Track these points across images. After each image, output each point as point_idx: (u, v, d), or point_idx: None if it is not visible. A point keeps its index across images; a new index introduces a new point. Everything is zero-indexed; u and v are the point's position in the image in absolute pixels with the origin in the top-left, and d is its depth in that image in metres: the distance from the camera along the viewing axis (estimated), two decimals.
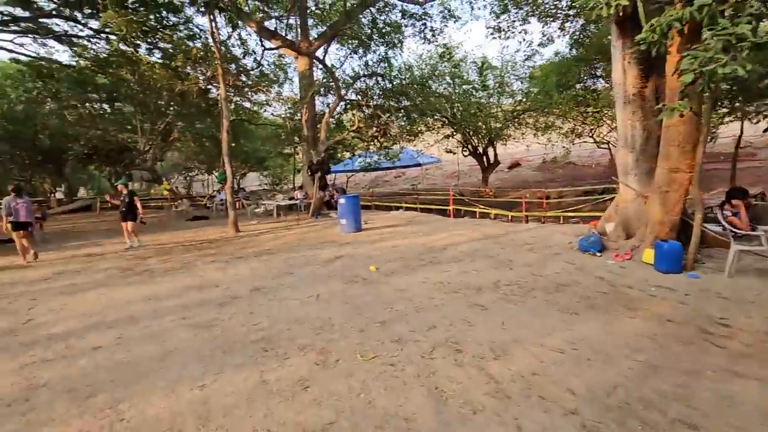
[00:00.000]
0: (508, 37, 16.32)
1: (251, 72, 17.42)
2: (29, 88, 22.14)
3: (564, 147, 20.19)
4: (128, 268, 6.90)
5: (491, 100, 21.79)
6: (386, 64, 16.15)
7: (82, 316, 4.42)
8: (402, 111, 16.41)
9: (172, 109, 21.57)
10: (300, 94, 16.31)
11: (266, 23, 16.30)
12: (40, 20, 18.36)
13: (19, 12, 17.60)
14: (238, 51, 16.23)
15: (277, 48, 16.07)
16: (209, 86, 21.18)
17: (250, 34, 17.62)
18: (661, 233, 5.46)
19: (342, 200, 9.90)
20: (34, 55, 19.90)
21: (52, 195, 29.67)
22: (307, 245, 8.40)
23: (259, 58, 16.06)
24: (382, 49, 16.76)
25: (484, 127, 21.04)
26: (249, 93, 17.76)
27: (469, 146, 22.58)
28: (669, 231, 5.42)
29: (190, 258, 7.68)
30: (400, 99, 16.05)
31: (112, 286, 5.68)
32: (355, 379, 2.75)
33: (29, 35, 19.21)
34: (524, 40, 19.25)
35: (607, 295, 4.23)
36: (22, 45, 19.55)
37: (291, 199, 16.28)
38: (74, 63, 20.47)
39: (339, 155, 25.37)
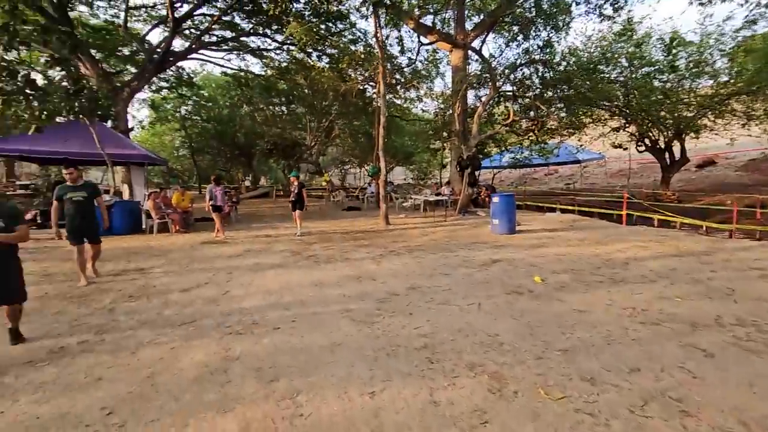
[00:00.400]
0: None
1: (405, 69, 17.89)
2: (232, 95, 27.21)
3: None
4: (297, 252, 7.65)
5: (681, 83, 17.78)
6: (549, 50, 14.57)
7: (264, 293, 4.96)
8: (564, 101, 14.61)
9: (334, 108, 23.80)
10: (453, 88, 16.02)
11: (422, 19, 16.43)
12: (241, 39, 22.32)
13: (227, 34, 21.60)
14: (395, 49, 16.84)
15: (432, 43, 16.05)
16: (366, 86, 22.68)
17: (407, 32, 18.05)
18: None
19: (496, 198, 9.24)
20: (236, 68, 24.29)
21: (242, 183, 36.12)
22: (459, 244, 8.06)
23: (414, 55, 16.35)
24: (544, 33, 15.18)
25: (669, 117, 17.37)
26: (403, 90, 18.22)
27: (647, 140, 18.98)
28: None
29: (348, 247, 8.14)
30: (562, 88, 14.31)
31: (286, 268, 6.31)
32: (543, 425, 2.27)
33: (233, 52, 23.49)
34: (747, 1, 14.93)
35: None
36: (228, 60, 24.03)
37: (438, 194, 16.20)
38: (263, 72, 24.38)
39: (485, 150, 24.37)
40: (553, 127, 14.66)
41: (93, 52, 17.48)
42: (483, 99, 14.06)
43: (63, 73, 12.49)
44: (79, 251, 5.60)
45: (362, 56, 14.00)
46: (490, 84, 13.80)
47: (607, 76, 17.21)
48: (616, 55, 17.65)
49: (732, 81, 16.09)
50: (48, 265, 6.81)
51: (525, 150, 24.35)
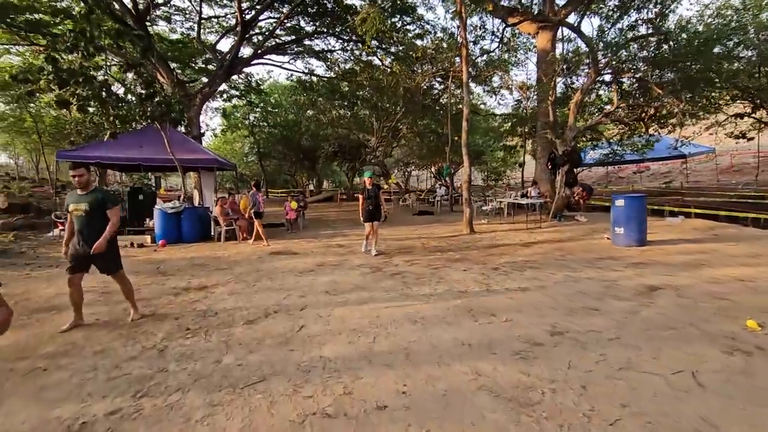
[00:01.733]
0: None
1: (484, 57, 16.21)
2: (297, 100, 27.17)
3: None
4: (378, 268, 6.41)
5: None
6: (662, 22, 12.09)
7: (349, 333, 3.72)
8: (680, 84, 12.00)
9: (400, 108, 22.65)
10: (537, 76, 14.05)
11: (503, 1, 14.65)
12: (305, 42, 22.00)
13: (292, 38, 21.33)
14: (471, 36, 15.21)
15: (516, 24, 14.21)
16: (434, 81, 21.22)
17: (483, 19, 16.34)
18: None
19: (620, 201, 7.34)
20: (300, 70, 24.11)
21: (306, 187, 36.31)
22: (579, 260, 6.33)
23: (495, 41, 14.61)
24: (652, 5, 12.68)
25: None
26: (482, 79, 16.54)
27: None
28: None
29: (437, 262, 6.76)
30: (682, 67, 11.75)
31: (369, 291, 5.07)
32: None
33: (298, 56, 23.26)
34: None
35: None
36: (293, 63, 23.93)
37: (523, 196, 14.29)
38: (327, 75, 23.95)
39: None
40: (676, 112, 12.10)
41: (170, 63, 17.98)
42: (583, 84, 11.96)
43: (137, 79, 12.56)
44: (70, 283, 4.03)
45: (438, 44, 12.56)
46: (589, 67, 11.70)
47: (730, 51, 14.14)
48: (741, 27, 14.47)
49: None
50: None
51: (615, 145, 21.48)
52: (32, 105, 21.54)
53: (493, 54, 17.99)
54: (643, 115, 12.52)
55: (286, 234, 11.41)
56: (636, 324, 3.61)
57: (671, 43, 11.14)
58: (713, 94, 15.14)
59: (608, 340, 3.31)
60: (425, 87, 21.57)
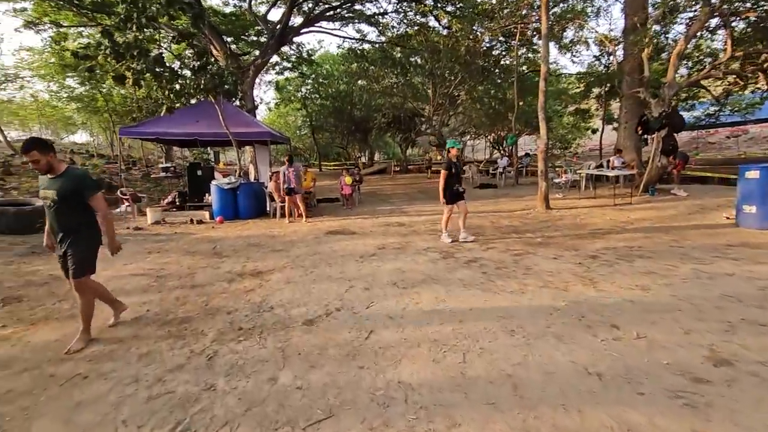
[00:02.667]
0: None
1: (557, 8, 14.22)
2: (348, 68, 26.24)
3: None
4: (449, 254, 5.59)
5: None
6: None
7: (431, 345, 2.99)
8: None
9: (456, 73, 21.00)
10: (625, 24, 11.98)
11: None
12: (356, 6, 20.79)
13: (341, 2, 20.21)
14: None
15: None
16: (497, 41, 19.27)
17: None
18: None
19: (753, 173, 5.85)
20: (351, 37, 23.06)
21: (359, 159, 35.84)
22: (703, 248, 5.09)
23: None
24: None
25: None
26: (556, 33, 14.63)
27: None
28: None
29: (515, 246, 5.81)
30: None
31: (444, 284, 4.29)
32: None
33: (349, 22, 22.14)
34: None
35: None
36: (344, 30, 22.88)
37: (600, 166, 12.61)
38: (379, 41, 22.68)
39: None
40: None
41: (223, 37, 17.75)
42: (689, 29, 9.90)
43: (191, 52, 12.32)
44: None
45: None
46: (697, 7, 9.60)
47: None
48: None
49: None
50: (169, 259, 5.97)
51: (709, 104, 18.66)
52: (103, 85, 22.58)
53: (567, 4, 15.82)
54: (765, 64, 10.24)
55: (341, 210, 10.89)
56: None
57: None
58: None
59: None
60: (485, 47, 19.72)
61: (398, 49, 22.50)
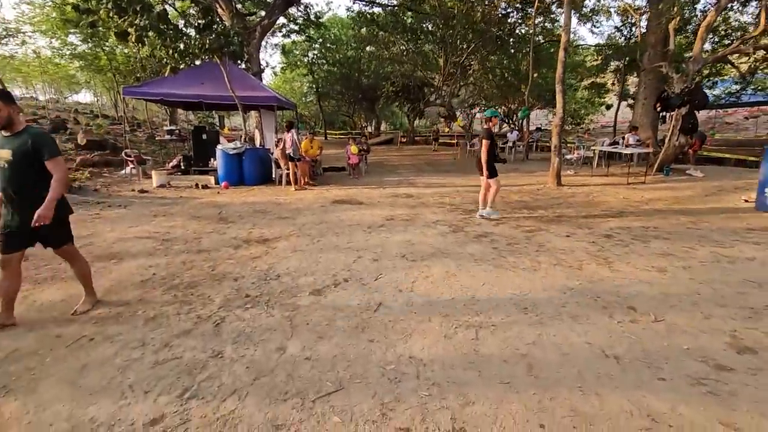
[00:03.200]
0: None
1: None
2: (356, 33, 25.31)
3: None
4: (459, 227, 5.48)
5: None
6: None
7: (443, 321, 2.93)
8: None
9: (469, 41, 20.20)
10: None
11: None
12: None
13: None
14: None
15: None
16: (513, 8, 18.43)
17: None
18: None
19: None
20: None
21: (365, 128, 35.25)
22: (723, 231, 4.94)
23: None
24: None
25: None
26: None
27: None
28: None
29: (527, 222, 5.68)
30: None
31: (453, 258, 4.20)
32: None
33: None
34: None
35: None
36: None
37: (615, 143, 12.27)
38: (390, 4, 21.72)
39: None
40: None
41: None
42: (707, 4, 9.33)
43: (196, 10, 11.82)
44: (3, 264, 2.77)
45: None
46: None
47: None
48: None
49: None
50: (175, 223, 5.90)
51: (732, 82, 18.10)
52: (106, 44, 21.94)
53: None
54: None
55: (348, 179, 10.73)
56: None
57: None
58: None
59: None
60: (501, 14, 18.86)
61: (410, 13, 21.57)
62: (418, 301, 3.23)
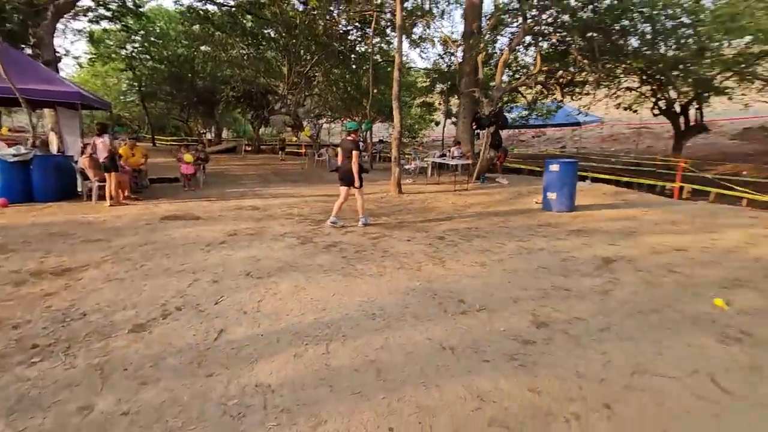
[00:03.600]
0: None
1: (408, 3, 14.99)
2: (189, 30, 22.96)
3: None
4: (308, 239, 5.39)
5: (708, 40, 15.98)
6: None
7: (293, 339, 2.78)
8: (598, 52, 12.40)
9: (313, 53, 20.52)
10: (464, 29, 13.44)
11: None
12: None
13: None
14: None
15: None
16: (353, 26, 19.49)
17: None
18: None
19: (554, 167, 7.25)
20: None
21: (203, 135, 32.13)
22: (523, 228, 6.07)
23: None
24: None
25: (690, 75, 15.67)
26: (406, 27, 15.41)
27: (661, 102, 17.47)
28: None
29: (373, 229, 5.96)
30: (597, 35, 12.02)
31: (304, 272, 4.09)
32: None
33: None
34: None
35: None
36: None
37: (443, 156, 14.05)
38: (227, 4, 20.41)
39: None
40: (591, 80, 12.52)
41: None
42: (512, 41, 11.64)
43: None
44: None
45: None
46: (519, 24, 11.38)
47: (631, 25, 14.97)
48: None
49: (764, 39, 14.16)
50: None
51: (521, 108, 22.38)
52: None
53: (416, 1, 16.88)
54: (561, 80, 12.85)
55: (182, 192, 9.53)
56: (617, 308, 3.29)
57: (594, 5, 11.25)
58: (619, 66, 16.25)
59: (599, 331, 2.90)
60: (342, 31, 19.73)
61: (249, 17, 20.65)
62: (265, 321, 3.00)
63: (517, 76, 15.44)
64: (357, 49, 21.73)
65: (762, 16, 14.18)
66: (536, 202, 7.98)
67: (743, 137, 23.59)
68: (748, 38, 14.57)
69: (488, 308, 3.26)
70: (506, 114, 16.72)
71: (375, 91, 18.79)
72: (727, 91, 16.27)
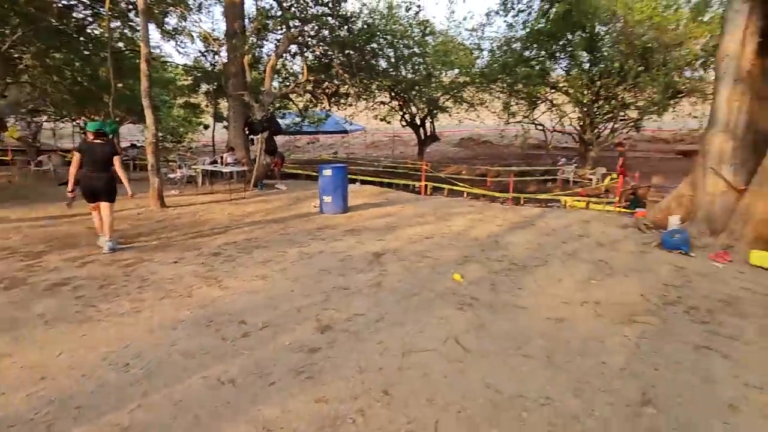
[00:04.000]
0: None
1: None
2: None
3: (523, 125, 19.63)
4: (19, 280, 3.89)
5: (433, 69, 20.43)
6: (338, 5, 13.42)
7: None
8: (356, 68, 13.93)
9: (15, 27, 15.37)
10: (227, 28, 12.72)
11: None
12: None
13: None
14: None
15: None
16: (82, 2, 15.69)
17: None
18: (764, 233, 4.90)
19: (327, 171, 7.66)
20: None
21: None
22: (303, 233, 6.14)
23: None
24: None
25: (424, 96, 19.74)
26: (156, 15, 13.38)
27: (407, 116, 21.29)
28: None
29: (126, 255, 4.84)
30: (355, 52, 13.52)
31: (8, 332, 2.90)
32: None
33: None
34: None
35: None
36: None
37: (214, 162, 12.95)
38: None
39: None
40: (352, 93, 13.85)
41: None
42: (278, 47, 11.67)
43: None
44: None
45: None
46: (284, 32, 11.54)
47: (379, 49, 17.56)
48: (389, 31, 18.18)
49: (468, 70, 19.05)
50: None
51: (294, 115, 23.16)
52: None
53: None
54: (327, 90, 13.79)
55: None
56: (387, 297, 3.66)
57: (349, 26, 12.53)
58: (373, 83, 18.62)
59: (375, 321, 3.16)
60: (62, 5, 15.49)
61: None
62: None
63: (287, 83, 15.71)
64: (89, 31, 17.55)
65: (462, 56, 18.98)
66: (314, 206, 8.27)
67: (461, 145, 31.27)
68: (456, 70, 19.32)
69: (272, 324, 3.08)
70: (279, 120, 16.83)
71: (120, 85, 15.68)
72: (448, 109, 21.23)
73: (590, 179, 13.66)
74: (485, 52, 18.55)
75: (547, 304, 3.53)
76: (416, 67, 18.71)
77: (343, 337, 2.89)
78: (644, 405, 2.20)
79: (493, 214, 7.59)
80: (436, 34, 19.44)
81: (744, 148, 5.19)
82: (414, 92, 19.10)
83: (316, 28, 12.41)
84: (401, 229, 6.45)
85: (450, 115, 21.52)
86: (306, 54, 13.49)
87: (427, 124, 21.37)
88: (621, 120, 16.20)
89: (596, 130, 16.27)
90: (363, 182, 13.16)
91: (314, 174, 15.12)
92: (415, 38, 18.23)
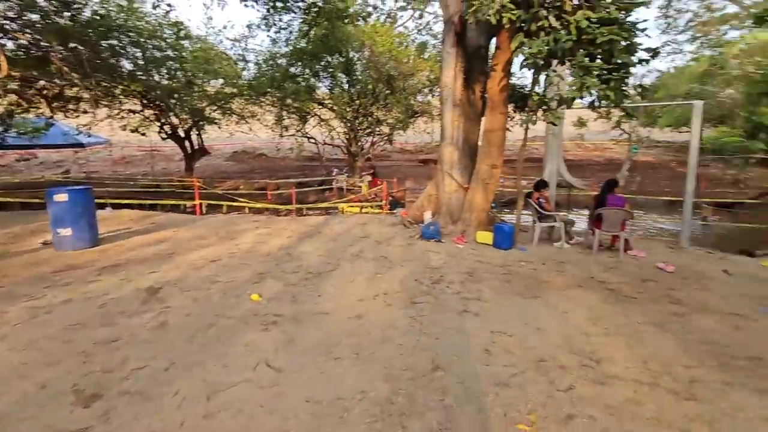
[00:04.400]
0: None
1: None
2: None
3: (297, 138, 19.96)
4: None
5: (194, 76, 18.75)
6: None
7: None
8: (89, 66, 11.16)
9: None
10: None
11: None
12: None
13: None
14: None
15: None
16: None
17: None
18: (482, 218, 6.69)
19: (61, 196, 5.89)
20: None
21: None
22: (32, 281, 4.54)
23: None
24: None
25: (187, 106, 17.92)
26: None
27: (167, 127, 18.78)
28: (486, 216, 6.71)
29: None
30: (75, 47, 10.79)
31: None
32: None
33: None
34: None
35: (517, 276, 4.73)
36: None
37: None
38: None
39: None
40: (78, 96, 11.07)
41: None
42: None
43: None
44: None
45: None
46: None
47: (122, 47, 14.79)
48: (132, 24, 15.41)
49: (235, 81, 18.37)
50: None
51: None
52: None
53: None
54: (45, 92, 10.66)
55: None
56: (177, 336, 3.10)
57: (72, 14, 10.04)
58: (117, 87, 15.34)
59: (165, 370, 2.62)
60: None
61: None
62: None
63: None
64: None
65: (226, 65, 18.18)
66: (44, 243, 6.24)
67: (234, 159, 29.79)
68: (221, 80, 18.28)
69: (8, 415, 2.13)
70: None
71: None
72: (216, 121, 19.84)
73: (360, 186, 15.46)
74: (251, 65, 18.38)
75: (346, 304, 3.76)
76: (173, 73, 16.78)
77: (122, 403, 2.28)
78: (435, 371, 2.62)
79: (280, 226, 7.56)
80: (193, 39, 17.91)
81: (464, 157, 6.92)
82: (173, 101, 17.01)
83: (17, 8, 9.43)
84: (180, 255, 5.63)
85: (219, 127, 20.24)
86: (2, 41, 10.04)
87: (194, 137, 19.43)
88: (378, 134, 18.99)
89: (359, 143, 18.52)
90: (115, 206, 10.84)
91: (36, 201, 11.47)
92: (168, 40, 16.26)
